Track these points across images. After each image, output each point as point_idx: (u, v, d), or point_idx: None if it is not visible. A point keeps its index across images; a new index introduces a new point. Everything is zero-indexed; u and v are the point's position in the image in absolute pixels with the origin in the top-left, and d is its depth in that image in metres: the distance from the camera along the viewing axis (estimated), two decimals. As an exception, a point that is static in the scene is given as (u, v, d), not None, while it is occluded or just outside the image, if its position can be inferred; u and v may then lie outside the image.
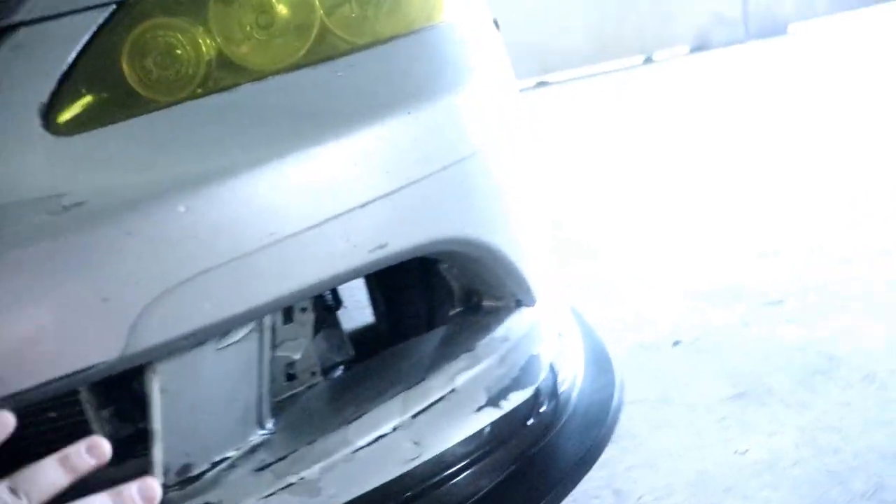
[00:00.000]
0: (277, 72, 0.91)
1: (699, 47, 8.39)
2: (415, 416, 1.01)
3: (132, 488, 0.67)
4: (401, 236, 0.92)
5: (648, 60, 8.31)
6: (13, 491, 0.62)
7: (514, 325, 1.14)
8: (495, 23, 1.49)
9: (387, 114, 0.92)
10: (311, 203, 0.85)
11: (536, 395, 1.14)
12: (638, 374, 1.75)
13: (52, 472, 0.65)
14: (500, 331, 1.12)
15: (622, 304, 2.18)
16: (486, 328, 1.12)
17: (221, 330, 0.86)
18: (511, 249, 1.08)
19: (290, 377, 1.10)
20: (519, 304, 1.16)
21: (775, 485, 1.35)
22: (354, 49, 0.96)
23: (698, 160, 3.81)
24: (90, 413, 0.98)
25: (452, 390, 1.04)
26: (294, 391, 1.09)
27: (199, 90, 0.89)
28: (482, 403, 1.07)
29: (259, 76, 0.91)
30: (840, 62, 6.19)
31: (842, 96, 4.86)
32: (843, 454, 1.41)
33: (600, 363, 1.33)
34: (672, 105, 5.57)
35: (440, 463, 1.04)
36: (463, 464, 1.06)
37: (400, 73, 0.97)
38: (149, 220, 0.79)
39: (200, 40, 0.91)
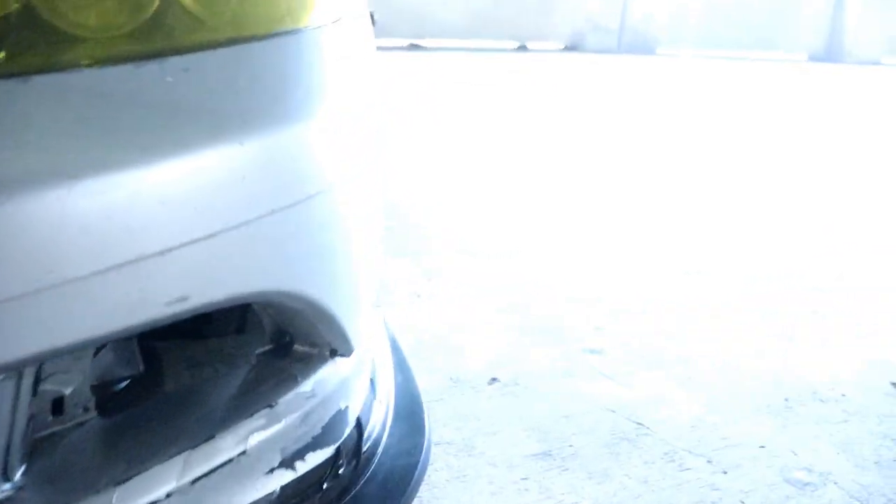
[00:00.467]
0: (101, 56, 0.75)
1: (572, 47, 8.58)
2: (195, 480, 0.89)
3: None
4: (207, 289, 0.79)
5: (522, 48, 8.39)
6: None
7: (324, 378, 1.03)
8: (371, 17, 1.35)
9: (213, 141, 0.77)
10: (99, 243, 0.70)
11: (337, 455, 1.04)
12: (447, 413, 1.69)
13: None
14: (308, 384, 1.01)
15: (440, 327, 2.11)
16: (293, 380, 1.01)
17: (-38, 381, 0.70)
18: (335, 300, 0.96)
19: (57, 411, 0.94)
20: (334, 353, 1.05)
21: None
22: (196, 45, 0.81)
23: (548, 155, 3.80)
24: None
25: (244, 452, 0.92)
26: (60, 428, 0.93)
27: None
28: (275, 465, 0.96)
29: (72, 57, 0.75)
30: (701, 86, 6.43)
31: (700, 116, 5.03)
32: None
33: (412, 416, 1.25)
34: (539, 91, 5.59)
35: (216, 530, 0.92)
36: (243, 531, 0.94)
37: (240, 90, 0.83)
38: None
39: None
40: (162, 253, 0.74)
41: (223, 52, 0.83)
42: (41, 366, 0.87)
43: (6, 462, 0.82)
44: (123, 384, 1.05)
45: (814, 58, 12.12)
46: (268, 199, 0.82)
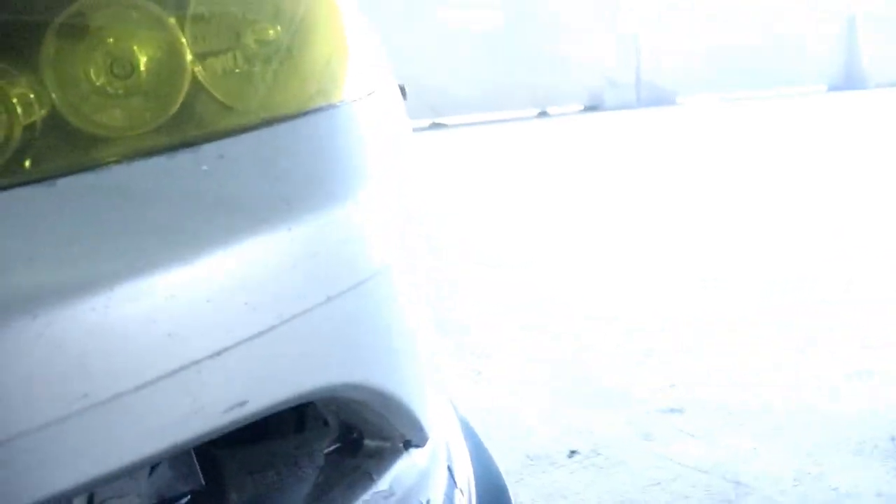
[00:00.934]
0: (129, 152, 0.70)
1: (592, 107, 8.59)
2: None
3: None
4: (267, 390, 0.71)
5: (543, 114, 8.42)
6: None
7: (401, 474, 0.94)
8: (402, 90, 1.30)
9: (258, 230, 0.71)
10: (144, 354, 0.63)
11: (423, 557, 0.94)
12: (531, 495, 1.58)
13: None
14: (385, 482, 0.92)
15: (505, 399, 2.01)
16: (368, 478, 0.92)
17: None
18: (404, 389, 0.88)
19: (113, 538, 0.86)
20: (408, 444, 0.97)
21: None
22: (230, 130, 0.75)
23: (588, 217, 3.73)
24: None
25: (322, 566, 0.84)
26: (118, 556, 0.85)
27: (7, 173, 0.66)
28: None
29: (100, 156, 0.69)
30: (722, 131, 6.37)
31: (723, 160, 4.95)
32: None
33: (495, 497, 1.15)
34: (567, 156, 5.57)
35: None
36: None
37: (280, 172, 0.76)
38: None
39: (23, 92, 0.68)
40: (214, 356, 0.67)
41: (258, 135, 0.77)
42: (92, 494, 0.79)
43: None
44: (184, 501, 0.98)
45: (834, 87, 11.96)
46: (322, 287, 0.75)
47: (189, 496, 0.98)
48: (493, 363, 2.28)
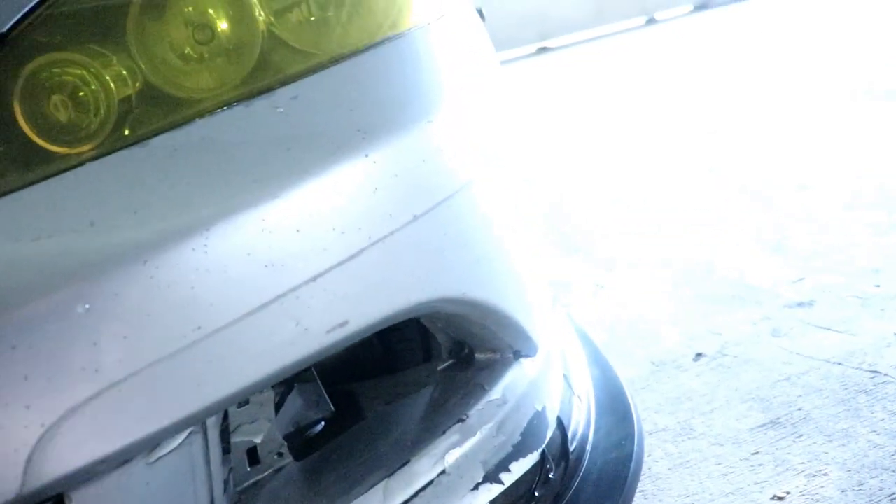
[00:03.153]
0: (212, 107, 0.75)
1: (702, 6, 8.18)
2: (398, 509, 0.85)
3: None
4: (365, 310, 0.75)
5: (651, 21, 8.11)
6: None
7: (513, 382, 0.97)
8: (479, 13, 1.31)
9: (337, 159, 0.75)
10: (247, 285, 0.69)
11: (543, 459, 0.98)
12: (656, 399, 1.58)
13: None
14: (497, 391, 0.96)
15: (627, 307, 2.00)
16: (481, 389, 0.96)
17: (146, 446, 0.70)
18: (503, 299, 0.91)
19: (253, 461, 0.94)
20: (518, 354, 1.00)
21: (822, 544, 1.19)
22: (303, 73, 0.80)
23: (706, 126, 3.61)
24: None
25: (443, 471, 0.88)
26: (258, 477, 0.93)
27: (110, 140, 0.72)
28: (479, 480, 0.91)
29: (189, 114, 0.75)
30: (844, 16, 5.97)
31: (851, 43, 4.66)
32: (900, 499, 1.24)
33: (616, 406, 1.17)
34: (679, 64, 5.37)
35: (434, 555, 0.88)
36: (461, 552, 0.90)
37: (353, 104, 0.80)
38: (37, 326, 0.63)
39: (117, 71, 0.74)
40: (310, 281, 0.71)
41: (329, 73, 0.81)
42: (226, 418, 0.87)
43: (213, 518, 0.81)
44: (318, 428, 1.05)
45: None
46: (406, 207, 0.78)
47: (321, 424, 1.06)
48: (614, 275, 2.28)
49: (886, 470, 1.30)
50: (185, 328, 0.66)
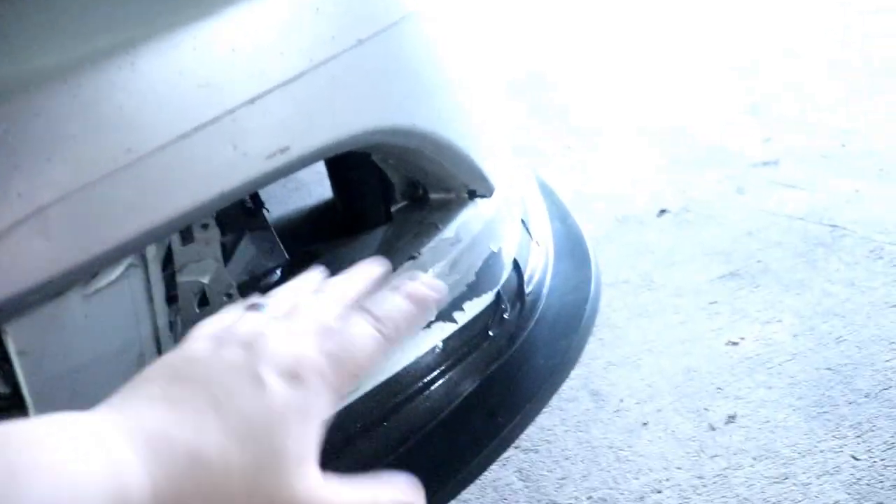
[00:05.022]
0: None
1: None
2: (349, 345, 0.84)
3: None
4: (307, 135, 0.72)
5: None
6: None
7: (467, 222, 0.95)
8: None
9: (277, -26, 0.70)
10: (179, 106, 0.65)
11: (498, 300, 0.97)
12: (618, 252, 1.58)
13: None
14: (451, 230, 0.94)
15: (597, 169, 1.98)
16: (434, 227, 0.94)
17: (82, 275, 0.67)
18: (455, 134, 0.88)
19: (203, 303, 0.92)
20: (473, 194, 0.98)
21: (770, 383, 1.20)
22: None
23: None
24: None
25: (394, 309, 0.87)
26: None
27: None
28: (431, 319, 0.91)
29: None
30: None
31: None
32: (846, 344, 1.26)
33: (575, 252, 1.16)
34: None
35: (386, 392, 0.88)
36: (413, 389, 0.90)
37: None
38: (-47, 145, 0.59)
39: None
40: (248, 103, 0.68)
41: None
42: (170, 256, 0.84)
43: (160, 353, 0.80)
44: (273, 278, 1.03)
45: None
46: (350, 30, 0.74)
47: (277, 271, 1.04)
48: (583, 140, 2.25)
49: (837, 315, 1.32)
50: (115, 150, 0.63)
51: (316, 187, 1.36)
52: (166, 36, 0.65)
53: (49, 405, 0.72)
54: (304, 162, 0.73)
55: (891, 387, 1.17)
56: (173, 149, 0.65)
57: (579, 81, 2.67)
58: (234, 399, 0.38)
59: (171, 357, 0.41)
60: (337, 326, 0.43)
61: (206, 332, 0.43)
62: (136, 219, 0.65)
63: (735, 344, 1.29)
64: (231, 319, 0.44)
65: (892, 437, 1.10)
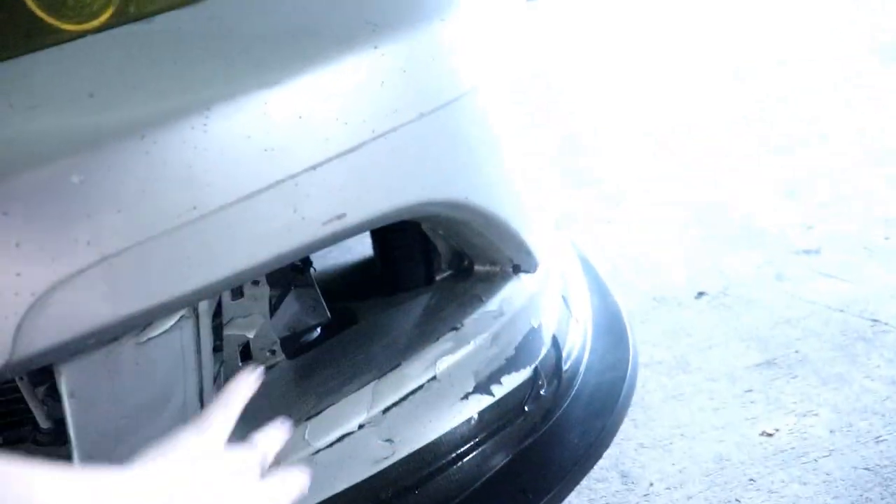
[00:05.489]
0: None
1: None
2: (386, 410, 0.86)
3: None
4: (364, 204, 0.74)
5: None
6: None
7: (510, 296, 0.97)
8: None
9: (344, 49, 0.73)
10: (245, 168, 0.67)
11: (535, 376, 0.98)
12: (653, 332, 1.58)
13: None
14: (494, 303, 0.95)
15: (633, 247, 1.98)
16: (477, 299, 0.95)
17: (137, 323, 0.69)
18: (505, 209, 0.90)
19: (245, 357, 0.94)
20: (517, 269, 0.99)
21: (805, 478, 1.19)
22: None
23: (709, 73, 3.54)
24: (28, 395, 0.84)
25: (433, 377, 0.89)
26: (250, 373, 0.93)
27: (115, 16, 0.70)
28: (469, 390, 0.92)
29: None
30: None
31: None
32: (886, 444, 1.24)
33: (613, 330, 1.17)
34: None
35: (419, 460, 0.89)
36: (447, 460, 0.91)
37: (366, -4, 0.78)
38: (30, 193, 0.62)
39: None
40: (310, 170, 0.70)
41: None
42: (220, 311, 0.86)
43: (202, 406, 0.82)
44: (313, 335, 1.04)
45: None
46: (413, 104, 0.76)
47: (320, 328, 1.05)
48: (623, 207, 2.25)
49: (876, 413, 1.30)
50: (181, 207, 0.65)
51: (356, 244, 1.38)
52: (238, 99, 0.68)
53: (93, 447, 0.74)
54: (360, 229, 0.75)
55: (928, 491, 1.15)
56: (236, 209, 0.67)
57: (613, 148, 2.68)
58: None
59: None
60: None
61: None
62: (195, 274, 0.68)
63: (770, 435, 1.27)
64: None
65: (927, 543, 1.08)
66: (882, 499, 1.13)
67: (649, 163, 2.50)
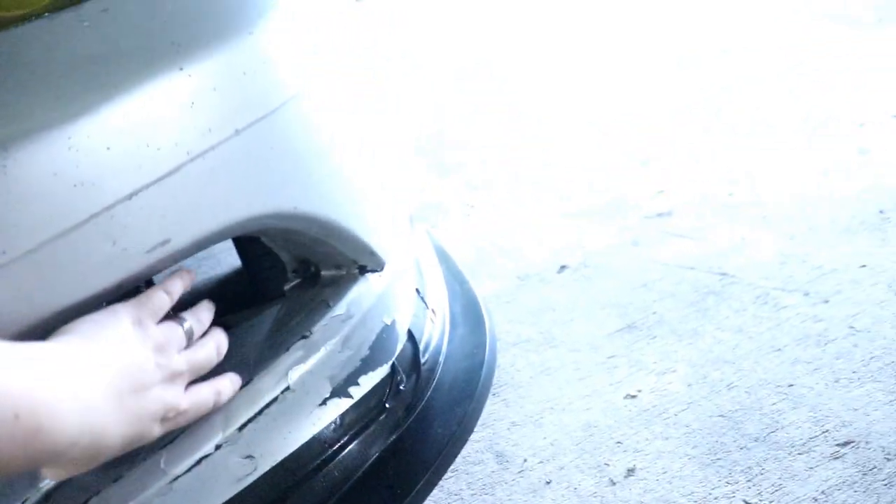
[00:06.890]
0: (12, 20, 0.71)
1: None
2: (242, 427, 0.85)
3: None
4: (188, 226, 0.74)
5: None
6: None
7: (358, 297, 0.98)
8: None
9: (149, 73, 0.72)
10: (55, 206, 0.66)
11: (394, 372, 0.99)
12: (519, 311, 1.62)
13: None
14: (342, 306, 0.96)
15: (495, 227, 2.02)
16: (325, 305, 0.96)
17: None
18: (341, 214, 0.91)
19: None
20: (363, 269, 1.00)
21: (667, 434, 1.25)
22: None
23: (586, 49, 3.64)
24: None
25: (287, 388, 0.89)
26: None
27: None
28: (326, 395, 0.92)
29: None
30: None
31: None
32: (737, 390, 1.32)
33: (471, 317, 1.19)
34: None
35: (283, 472, 0.89)
36: (311, 467, 0.91)
37: (168, 16, 0.77)
38: None
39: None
40: (125, 199, 0.69)
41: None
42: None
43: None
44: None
45: None
46: (227, 121, 0.76)
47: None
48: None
49: (727, 362, 1.38)
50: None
51: (226, 256, 1.37)
52: (39, 136, 0.66)
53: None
54: (187, 253, 0.75)
55: (777, 430, 1.22)
56: (49, 249, 0.66)
57: (476, 138, 2.73)
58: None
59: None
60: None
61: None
62: (12, 320, 0.66)
63: (633, 397, 1.33)
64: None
65: (779, 478, 1.15)
66: (734, 441, 1.20)
67: (594, 153, 2.53)
